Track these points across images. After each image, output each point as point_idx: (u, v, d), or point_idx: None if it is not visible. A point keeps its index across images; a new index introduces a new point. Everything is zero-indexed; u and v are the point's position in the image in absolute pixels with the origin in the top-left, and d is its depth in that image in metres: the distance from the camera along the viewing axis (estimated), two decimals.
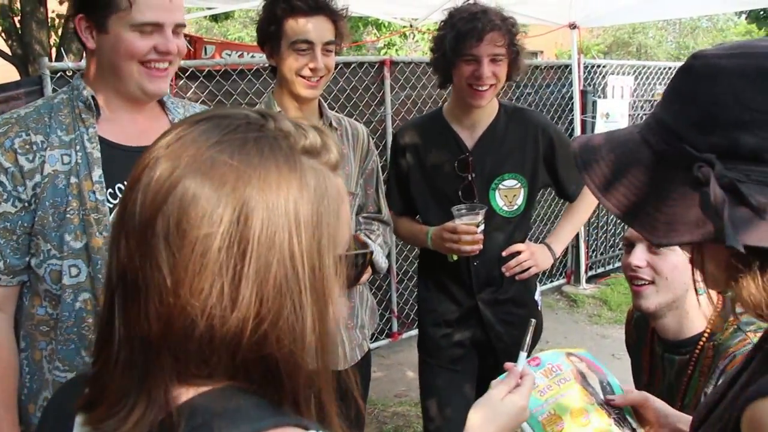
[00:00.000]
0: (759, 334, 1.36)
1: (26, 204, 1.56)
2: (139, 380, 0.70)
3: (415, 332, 5.28)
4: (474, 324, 2.50)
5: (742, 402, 0.85)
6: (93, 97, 1.64)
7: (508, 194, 2.41)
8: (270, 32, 2.14)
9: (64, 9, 7.72)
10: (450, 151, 2.41)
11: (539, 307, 2.66)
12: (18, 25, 7.46)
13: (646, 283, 1.71)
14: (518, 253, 2.46)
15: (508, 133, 2.43)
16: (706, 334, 1.67)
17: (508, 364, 1.35)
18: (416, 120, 2.72)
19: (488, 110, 2.42)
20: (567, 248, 6.31)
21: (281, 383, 0.71)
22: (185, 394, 0.70)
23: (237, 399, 0.70)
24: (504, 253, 2.44)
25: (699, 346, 1.66)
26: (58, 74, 3.58)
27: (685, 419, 1.35)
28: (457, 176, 2.40)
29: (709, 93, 0.82)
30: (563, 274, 6.39)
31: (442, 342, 2.52)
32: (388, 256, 5.00)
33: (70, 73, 3.61)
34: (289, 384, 0.71)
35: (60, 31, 7.71)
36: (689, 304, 1.71)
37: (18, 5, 7.46)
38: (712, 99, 0.82)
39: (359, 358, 2.39)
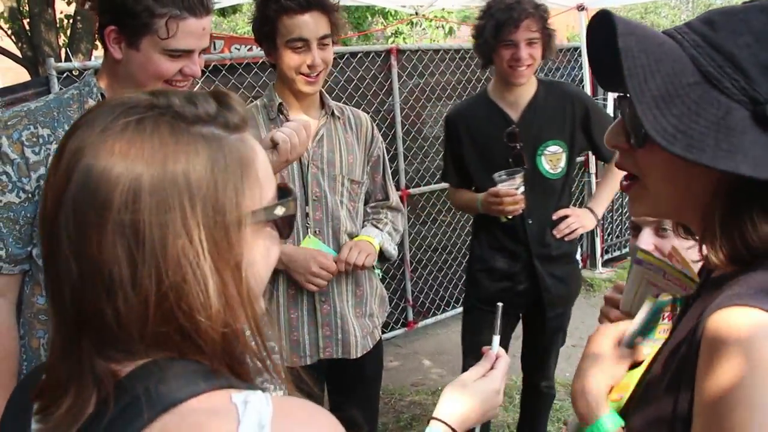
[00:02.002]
0: None
1: (30, 195, 1.61)
2: (72, 363, 0.73)
3: (431, 320, 5.29)
4: (526, 278, 2.83)
5: (700, 327, 0.86)
6: (103, 95, 1.68)
7: (553, 159, 2.73)
8: (264, 32, 2.16)
9: (71, 9, 7.76)
10: (498, 125, 2.72)
11: (580, 266, 2.91)
12: (27, 27, 7.50)
13: None
14: (566, 217, 2.79)
15: (548, 104, 2.73)
16: None
17: (484, 348, 1.36)
18: (463, 102, 3.07)
19: (528, 86, 2.72)
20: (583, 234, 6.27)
21: (201, 350, 0.73)
22: (114, 374, 0.72)
23: (166, 370, 0.71)
24: (554, 217, 2.78)
25: None
26: (65, 74, 3.59)
27: None
28: (507, 147, 2.69)
29: None
30: (579, 257, 6.34)
31: (496, 293, 2.78)
32: (401, 245, 5.01)
33: (77, 73, 3.63)
34: (209, 349, 0.73)
35: (68, 32, 7.74)
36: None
37: (26, 8, 7.50)
38: None
39: (371, 346, 2.40)
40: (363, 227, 2.39)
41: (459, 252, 5.41)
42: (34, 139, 1.61)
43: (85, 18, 7.19)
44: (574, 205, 3.26)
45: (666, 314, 1.16)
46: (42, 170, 1.61)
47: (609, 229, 6.50)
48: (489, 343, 1.36)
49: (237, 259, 0.74)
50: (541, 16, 2.58)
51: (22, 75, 8.10)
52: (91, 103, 1.66)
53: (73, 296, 0.71)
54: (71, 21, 7.57)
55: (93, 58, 7.36)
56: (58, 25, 7.66)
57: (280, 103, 2.22)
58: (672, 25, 1.09)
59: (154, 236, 0.69)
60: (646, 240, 1.70)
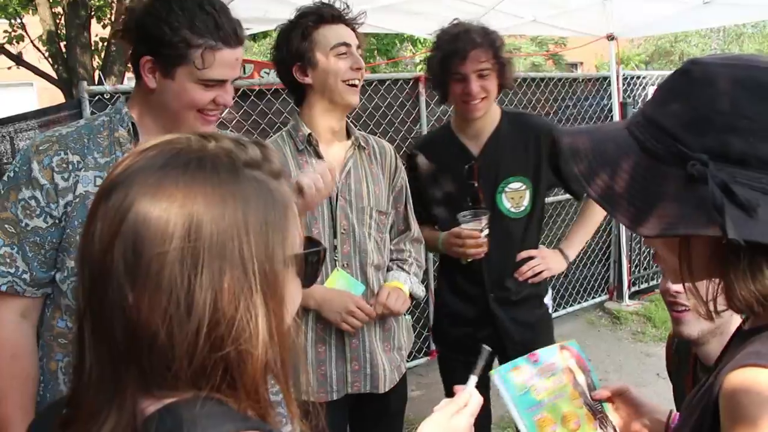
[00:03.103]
0: None
1: (57, 221, 1.62)
2: (110, 395, 0.75)
3: None
4: (487, 323, 2.60)
5: (718, 381, 0.87)
6: (133, 124, 1.70)
7: (515, 196, 2.53)
8: (302, 48, 2.16)
9: (106, 33, 7.95)
10: (458, 160, 2.54)
11: (549, 310, 2.76)
12: (63, 50, 7.70)
13: (687, 309, 1.64)
14: (531, 258, 2.57)
15: (511, 138, 2.54)
16: None
17: (457, 387, 1.36)
18: (427, 135, 2.94)
19: (489, 119, 2.53)
20: (609, 263, 6.19)
21: (238, 384, 0.76)
22: (153, 405, 0.75)
23: (201, 407, 0.74)
24: (517, 258, 2.56)
25: None
26: (97, 97, 3.65)
27: (661, 410, 1.36)
28: (466, 183, 2.52)
29: (706, 97, 0.87)
30: (605, 290, 6.24)
31: (458, 339, 2.64)
32: (426, 272, 4.97)
33: (108, 96, 3.69)
34: (247, 382, 0.76)
35: (102, 54, 7.92)
36: (734, 328, 1.63)
37: (64, 31, 7.70)
38: (709, 103, 0.87)
39: (398, 380, 2.38)
40: (389, 270, 2.38)
41: None
42: (64, 165, 1.62)
43: (119, 42, 7.37)
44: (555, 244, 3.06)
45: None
46: (69, 197, 1.62)
47: (636, 261, 6.40)
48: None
49: (281, 297, 0.79)
50: (491, 44, 2.38)
51: (57, 95, 8.29)
52: (122, 131, 1.68)
53: (126, 323, 0.73)
54: (106, 44, 7.75)
55: (126, 80, 7.50)
56: (93, 48, 7.84)
57: (309, 134, 2.21)
58: (702, 55, 1.15)
59: (212, 265, 0.73)
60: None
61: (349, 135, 2.31)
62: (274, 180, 0.82)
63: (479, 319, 2.60)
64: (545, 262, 2.59)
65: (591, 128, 1.00)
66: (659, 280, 6.40)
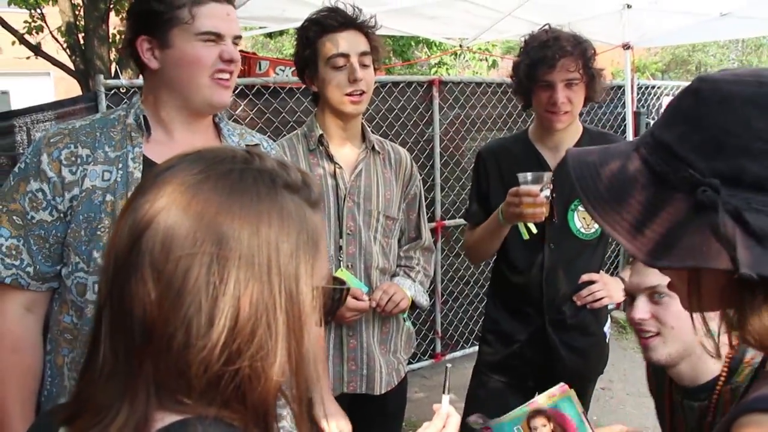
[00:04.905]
0: None
1: (62, 215, 1.60)
2: (122, 388, 0.74)
3: (459, 353, 5.23)
4: (539, 345, 2.50)
5: (729, 421, 0.84)
6: (145, 117, 1.67)
7: (587, 217, 2.43)
8: (306, 57, 2.19)
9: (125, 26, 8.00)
10: (532, 168, 2.39)
11: (607, 340, 2.63)
12: (81, 42, 7.75)
13: (653, 334, 1.65)
14: (591, 282, 2.46)
15: None
16: (722, 378, 1.59)
17: (435, 406, 1.35)
18: (501, 140, 2.78)
19: (571, 132, 2.45)
20: (617, 272, 6.16)
21: (248, 402, 0.75)
22: (160, 421, 0.74)
23: (207, 427, 0.74)
24: (579, 281, 2.45)
25: (717, 391, 1.59)
26: (113, 91, 3.68)
27: None
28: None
29: (717, 118, 0.81)
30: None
31: (505, 358, 2.54)
32: (433, 276, 4.99)
33: (124, 90, 3.72)
34: (257, 402, 0.75)
35: (120, 47, 7.97)
36: (701, 350, 1.63)
37: (82, 23, 7.75)
38: (720, 125, 0.81)
39: (396, 383, 2.38)
40: (395, 275, 2.38)
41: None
42: (73, 158, 1.61)
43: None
44: (610, 269, 3.03)
45: None
46: (76, 191, 1.60)
47: None
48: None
49: (303, 322, 0.78)
50: (581, 53, 2.30)
51: (73, 85, 8.36)
52: (131, 121, 1.67)
53: (145, 318, 0.73)
54: (124, 37, 7.79)
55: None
56: (110, 41, 7.88)
57: (321, 135, 2.23)
58: (719, 65, 1.09)
59: (239, 276, 0.73)
60: (642, 308, 1.65)
61: (364, 138, 2.32)
62: (309, 208, 0.82)
63: (531, 341, 2.50)
64: (606, 288, 2.47)
65: (599, 152, 0.95)
66: None
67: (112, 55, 7.93)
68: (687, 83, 0.95)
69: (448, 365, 1.43)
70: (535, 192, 2.19)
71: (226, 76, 1.68)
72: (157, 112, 1.70)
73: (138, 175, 1.63)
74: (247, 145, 1.85)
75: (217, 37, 1.64)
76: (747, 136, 0.79)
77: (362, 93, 2.16)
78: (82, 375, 0.81)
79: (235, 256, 0.73)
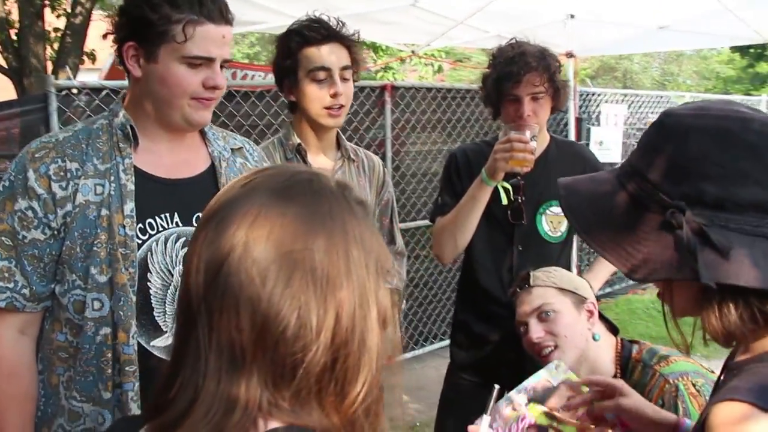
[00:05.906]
0: (663, 365, 1.65)
1: (56, 232, 1.55)
2: (233, 390, 0.75)
3: (408, 355, 5.29)
4: (510, 344, 2.49)
5: (704, 413, 0.95)
6: (132, 126, 1.62)
7: (554, 220, 2.53)
8: (286, 67, 2.17)
9: (61, 23, 7.73)
10: (504, 175, 2.46)
11: None
12: (14, 38, 7.45)
13: (552, 349, 1.82)
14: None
15: (559, 164, 2.55)
16: (618, 376, 1.76)
17: (471, 428, 1.41)
18: (473, 143, 2.92)
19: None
20: None
21: (331, 414, 0.77)
22: (263, 425, 0.75)
23: None
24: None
25: None
26: (63, 92, 3.56)
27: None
28: (509, 198, 2.53)
29: (680, 148, 0.97)
30: None
31: (478, 361, 2.60)
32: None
33: (76, 91, 3.61)
34: (344, 411, 0.77)
35: (56, 45, 7.70)
36: (594, 352, 1.83)
37: (15, 17, 7.46)
38: (683, 154, 0.96)
39: None
40: None
41: (439, 288, 5.47)
42: (62, 173, 1.55)
43: (75, 32, 7.17)
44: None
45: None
46: (69, 207, 1.55)
47: (585, 270, 6.57)
48: (465, 421, 1.42)
49: (382, 333, 0.81)
50: (546, 68, 2.38)
51: (5, 84, 8.02)
52: (121, 135, 1.61)
53: (255, 312, 0.74)
54: (61, 35, 7.53)
55: (79, 74, 7.32)
56: (45, 38, 7.61)
57: (299, 144, 2.22)
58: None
59: (342, 284, 0.76)
60: (536, 329, 1.86)
61: (339, 146, 2.33)
62: (371, 221, 0.86)
63: (504, 342, 2.53)
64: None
65: (587, 180, 1.10)
66: (606, 290, 6.64)
67: (48, 53, 7.66)
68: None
69: (496, 386, 1.47)
70: (525, 138, 2.27)
71: (210, 102, 1.63)
72: (141, 120, 1.64)
73: (131, 187, 1.59)
74: (232, 149, 1.84)
75: (205, 61, 1.58)
76: (705, 163, 0.94)
77: (341, 107, 2.17)
78: (157, 393, 0.81)
79: (332, 261, 0.76)
